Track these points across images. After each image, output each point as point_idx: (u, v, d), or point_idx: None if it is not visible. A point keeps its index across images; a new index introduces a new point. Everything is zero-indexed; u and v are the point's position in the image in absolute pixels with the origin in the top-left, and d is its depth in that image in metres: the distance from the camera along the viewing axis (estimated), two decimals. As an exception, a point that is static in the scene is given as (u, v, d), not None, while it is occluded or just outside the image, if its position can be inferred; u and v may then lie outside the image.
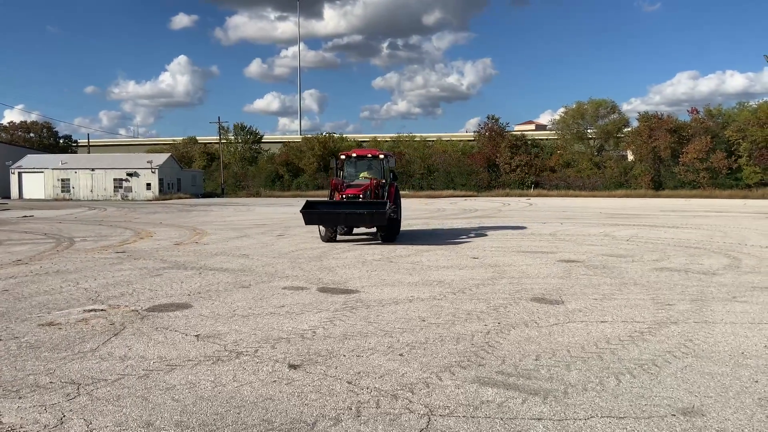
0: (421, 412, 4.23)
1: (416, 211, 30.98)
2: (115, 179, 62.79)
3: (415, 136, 76.26)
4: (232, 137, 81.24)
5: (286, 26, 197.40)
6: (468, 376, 4.97)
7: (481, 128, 69.44)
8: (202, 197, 63.97)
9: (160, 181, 62.38)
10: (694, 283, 9.24)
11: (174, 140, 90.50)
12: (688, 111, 61.72)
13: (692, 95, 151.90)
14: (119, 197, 61.25)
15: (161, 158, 65.16)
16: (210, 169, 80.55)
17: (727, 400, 4.42)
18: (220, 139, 76.78)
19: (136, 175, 62.50)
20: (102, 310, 7.52)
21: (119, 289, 8.92)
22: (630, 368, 5.14)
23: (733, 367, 5.18)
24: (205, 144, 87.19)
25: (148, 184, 61.91)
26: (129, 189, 62.36)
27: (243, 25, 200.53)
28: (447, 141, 78.00)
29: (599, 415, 4.15)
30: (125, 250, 14.21)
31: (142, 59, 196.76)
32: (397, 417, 4.13)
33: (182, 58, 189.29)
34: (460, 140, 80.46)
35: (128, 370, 5.13)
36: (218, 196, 66.24)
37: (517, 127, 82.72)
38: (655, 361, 5.32)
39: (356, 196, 15.47)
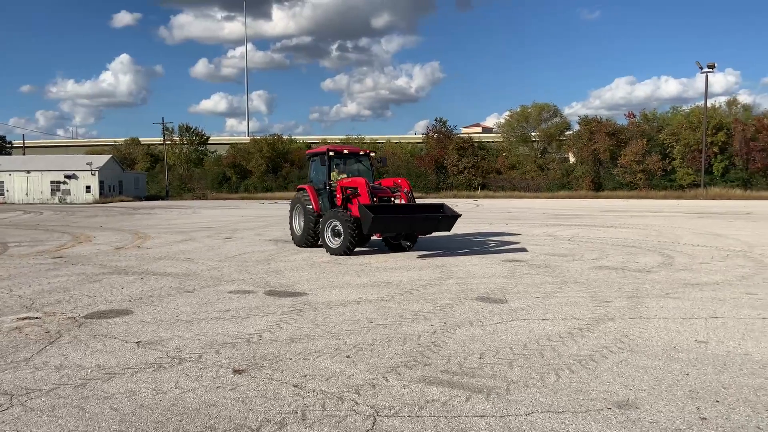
0: (367, 413, 4.25)
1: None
2: (52, 181, 60.31)
3: (364, 138, 76.57)
4: (177, 138, 79.35)
5: (234, 26, 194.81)
6: (414, 376, 5.03)
7: (430, 130, 70.30)
8: (146, 200, 62.20)
9: (101, 183, 60.35)
10: (630, 281, 9.61)
11: (116, 141, 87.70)
12: (625, 115, 64.38)
13: (630, 100, 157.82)
14: (57, 200, 58.86)
15: (102, 160, 63.03)
16: (154, 171, 78.47)
17: (659, 392, 4.62)
18: (165, 140, 74.89)
19: (74, 177, 60.23)
20: (37, 318, 7.22)
21: (55, 296, 8.58)
22: (569, 364, 5.31)
23: (666, 361, 5.42)
24: (149, 145, 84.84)
25: (88, 187, 59.76)
26: (67, 192, 60.03)
27: (188, 24, 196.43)
28: (396, 143, 78.51)
29: (539, 411, 4.27)
30: (62, 255, 13.68)
31: (82, 57, 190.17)
32: (342, 419, 4.14)
33: (124, 57, 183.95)
34: (409, 142, 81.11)
35: (64, 380, 4.95)
36: (162, 199, 64.56)
37: (464, 130, 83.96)
38: (593, 357, 5.51)
39: (388, 198, 13.91)
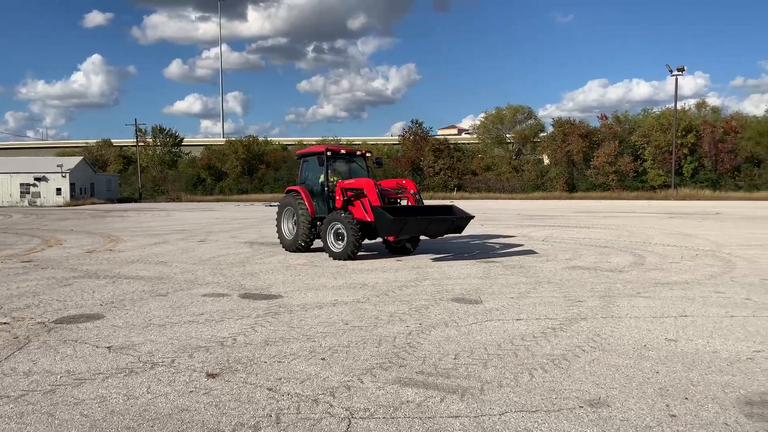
0: (342, 415, 4.24)
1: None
2: (21, 184, 59.05)
3: (340, 140, 76.43)
4: (151, 140, 78.34)
5: (208, 27, 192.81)
6: (389, 377, 5.03)
7: (406, 132, 70.49)
8: (118, 202, 61.25)
9: (72, 185, 59.26)
10: (602, 281, 9.76)
11: (87, 143, 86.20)
12: (598, 117, 65.21)
13: (602, 102, 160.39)
14: (26, 203, 57.64)
15: (73, 162, 61.94)
16: (126, 173, 77.37)
17: (630, 390, 4.69)
18: (138, 141, 73.86)
19: (44, 179, 59.09)
20: (5, 323, 7.06)
21: (24, 301, 8.40)
22: (542, 363, 5.37)
23: (637, 359, 5.51)
24: (121, 147, 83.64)
25: (59, 189, 58.66)
26: (37, 194, 58.85)
27: (162, 24, 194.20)
28: (373, 144, 78.50)
29: (513, 410, 4.31)
30: (32, 259, 13.40)
31: (52, 58, 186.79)
32: (317, 422, 4.13)
33: (96, 57, 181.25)
34: (386, 144, 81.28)
35: (33, 386, 4.85)
36: (135, 201, 63.66)
37: (440, 132, 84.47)
38: (566, 356, 5.58)
39: (395, 200, 13.55)
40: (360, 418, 4.20)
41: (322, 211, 13.70)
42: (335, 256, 12.67)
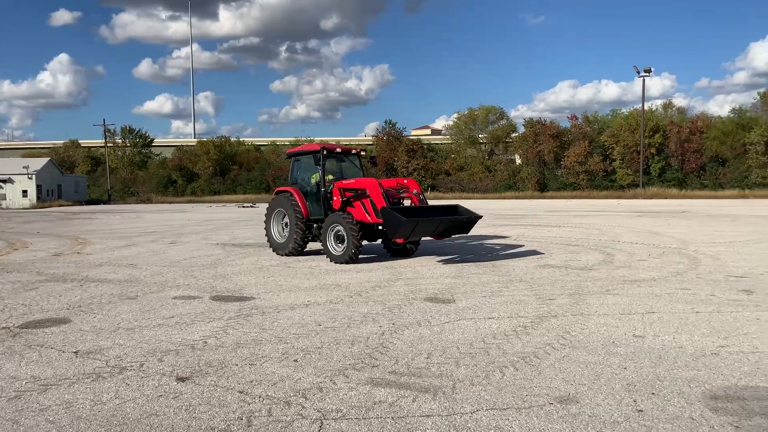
0: (314, 417, 4.23)
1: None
2: (-15, 186, 57.51)
3: (314, 140, 76.08)
4: (120, 140, 77.01)
5: (179, 26, 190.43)
6: (362, 378, 5.03)
7: (380, 133, 70.56)
8: (87, 204, 60.07)
9: (38, 187, 57.98)
10: (572, 278, 9.90)
11: (54, 144, 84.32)
12: (568, 117, 66.15)
13: (573, 103, 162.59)
14: (-10, 205, 56.16)
15: (39, 163, 60.58)
16: (95, 175, 75.94)
17: (599, 386, 4.77)
18: (106, 142, 72.53)
19: (10, 181, 57.68)
20: (-34, 329, 6.87)
21: (-13, 306, 8.17)
22: (513, 361, 5.42)
23: (605, 355, 5.60)
24: (90, 148, 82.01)
25: (25, 191, 57.34)
26: (2, 196, 57.40)
27: (131, 23, 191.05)
28: (347, 145, 78.41)
29: (484, 408, 4.35)
30: (-5, 263, 13.06)
31: (18, 57, 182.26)
32: (289, 424, 4.11)
33: (63, 57, 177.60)
34: (359, 144, 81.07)
35: (-4, 394, 4.73)
36: (104, 203, 62.51)
37: (413, 132, 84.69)
38: (537, 354, 5.65)
39: (398, 200, 13.02)
40: (332, 419, 4.19)
41: (316, 213, 13.10)
42: (335, 260, 12.15)
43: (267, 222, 14.01)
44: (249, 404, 4.46)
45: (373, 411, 4.32)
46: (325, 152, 13.03)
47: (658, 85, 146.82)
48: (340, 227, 12.19)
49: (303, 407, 4.39)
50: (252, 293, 8.98)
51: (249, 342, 6.18)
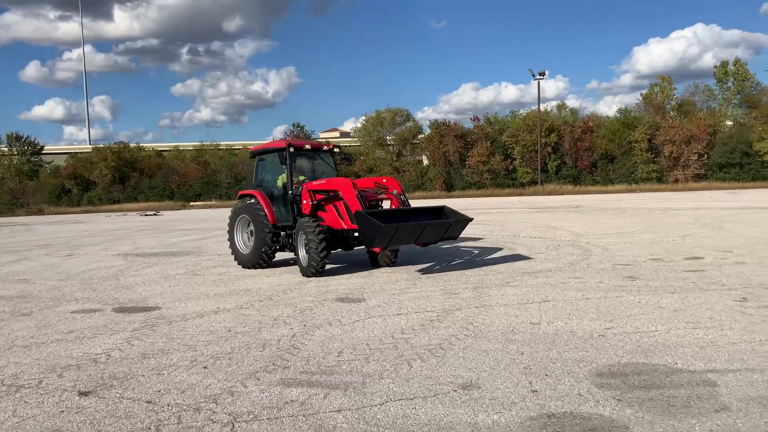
0: (225, 420, 4.25)
1: (223, 221, 30.14)
2: None
3: (220, 145, 74.21)
4: (6, 148, 71.53)
5: (69, 26, 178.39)
6: (273, 379, 5.08)
7: (287, 136, 69.79)
8: (-32, 218, 55.30)
9: None
10: (476, 273, 10.37)
11: (-72, 153, 76.81)
12: (471, 119, 68.39)
13: (475, 104, 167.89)
14: None
15: None
16: (-23, 186, 70.05)
17: (498, 372, 5.10)
18: (-11, 150, 67.08)
19: None
20: None
21: None
22: (420, 353, 5.67)
23: (504, 343, 5.97)
24: (-30, 156, 75.41)
25: None
26: None
27: (16, 23, 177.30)
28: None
29: (393, 399, 4.54)
30: None
31: None
32: (199, 429, 4.10)
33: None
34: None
35: None
36: (-11, 216, 57.80)
37: (322, 135, 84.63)
38: (442, 345, 5.93)
39: (376, 202, 11.66)
40: (243, 421, 4.22)
41: (284, 219, 11.71)
42: (303, 272, 10.80)
43: (230, 231, 12.47)
44: (157, 413, 4.40)
45: (285, 410, 4.40)
46: (291, 149, 11.66)
47: (552, 87, 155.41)
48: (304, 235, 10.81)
49: (214, 412, 4.40)
50: (158, 303, 8.74)
51: (156, 352, 6.06)
